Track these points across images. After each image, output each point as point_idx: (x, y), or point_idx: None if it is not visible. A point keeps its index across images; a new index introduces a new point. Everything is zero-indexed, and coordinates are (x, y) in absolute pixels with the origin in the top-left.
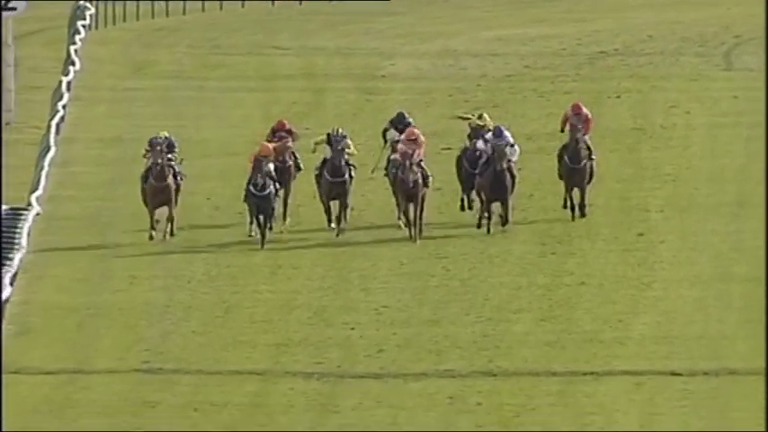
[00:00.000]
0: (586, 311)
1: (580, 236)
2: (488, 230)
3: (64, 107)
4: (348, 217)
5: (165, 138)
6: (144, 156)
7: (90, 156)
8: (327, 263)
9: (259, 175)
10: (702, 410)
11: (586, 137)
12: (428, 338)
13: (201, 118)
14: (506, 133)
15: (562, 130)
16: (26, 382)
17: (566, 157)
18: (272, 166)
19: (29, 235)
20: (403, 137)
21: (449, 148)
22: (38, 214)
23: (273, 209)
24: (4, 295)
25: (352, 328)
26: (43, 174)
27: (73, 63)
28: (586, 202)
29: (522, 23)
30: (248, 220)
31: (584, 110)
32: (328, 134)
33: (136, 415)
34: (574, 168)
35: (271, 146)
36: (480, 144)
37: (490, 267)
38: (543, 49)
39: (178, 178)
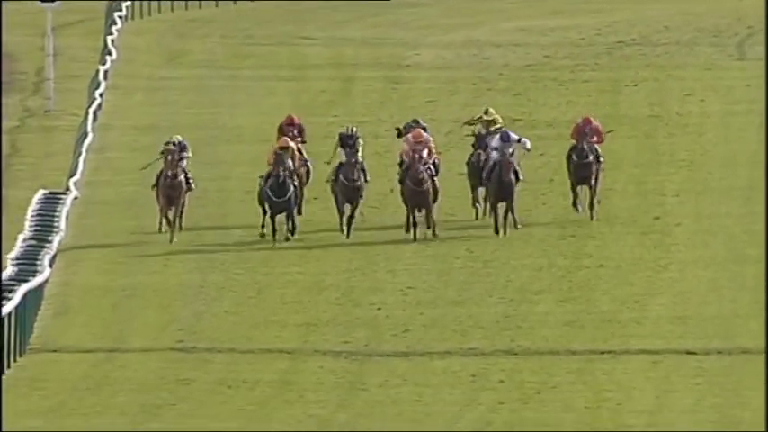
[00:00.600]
0: (605, 292)
1: (599, 219)
2: (504, 232)
3: (101, 95)
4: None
5: (179, 142)
6: (161, 157)
7: (125, 142)
8: (354, 245)
9: (281, 168)
10: (716, 388)
11: (596, 146)
12: (452, 318)
13: (234, 106)
14: (513, 135)
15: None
16: (65, 360)
17: (573, 156)
18: (290, 161)
19: (67, 218)
20: (410, 138)
21: (472, 135)
22: (75, 198)
23: (293, 210)
24: (44, 277)
25: (379, 309)
26: (81, 159)
27: (110, 53)
28: (596, 200)
29: (543, 15)
30: (261, 219)
31: (595, 122)
32: (340, 134)
33: (170, 392)
34: (581, 164)
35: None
36: (494, 155)
37: (512, 250)
38: (563, 40)
39: (191, 183)
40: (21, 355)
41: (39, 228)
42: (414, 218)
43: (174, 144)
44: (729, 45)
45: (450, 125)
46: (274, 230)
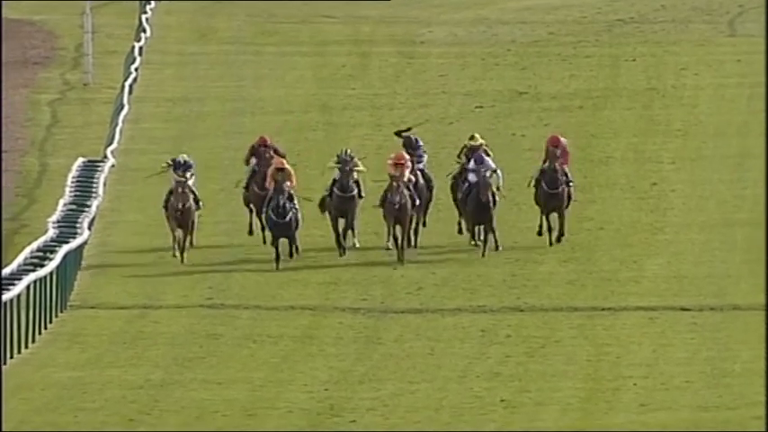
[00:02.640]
0: (604, 253)
1: (600, 185)
2: (483, 254)
3: (136, 70)
4: (355, 236)
5: (184, 162)
6: (164, 170)
7: (159, 113)
8: (372, 209)
9: (280, 196)
10: (709, 342)
11: (565, 167)
12: (462, 278)
13: (259, 79)
14: (488, 160)
15: (545, 162)
16: (103, 316)
17: (543, 183)
18: (288, 184)
19: (104, 184)
20: (392, 160)
21: (480, 107)
22: (113, 166)
23: (294, 234)
24: (83, 239)
25: (395, 269)
26: (117, 129)
27: (144, 30)
28: (566, 228)
29: None
30: (268, 241)
31: (563, 141)
32: (338, 156)
33: (200, 345)
34: (551, 194)
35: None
36: (471, 177)
37: (518, 213)
38: (566, 18)
39: (199, 203)
40: (62, 312)
41: (78, 193)
42: (394, 234)
43: (180, 164)
44: (721, 22)
45: (460, 98)
46: (278, 256)
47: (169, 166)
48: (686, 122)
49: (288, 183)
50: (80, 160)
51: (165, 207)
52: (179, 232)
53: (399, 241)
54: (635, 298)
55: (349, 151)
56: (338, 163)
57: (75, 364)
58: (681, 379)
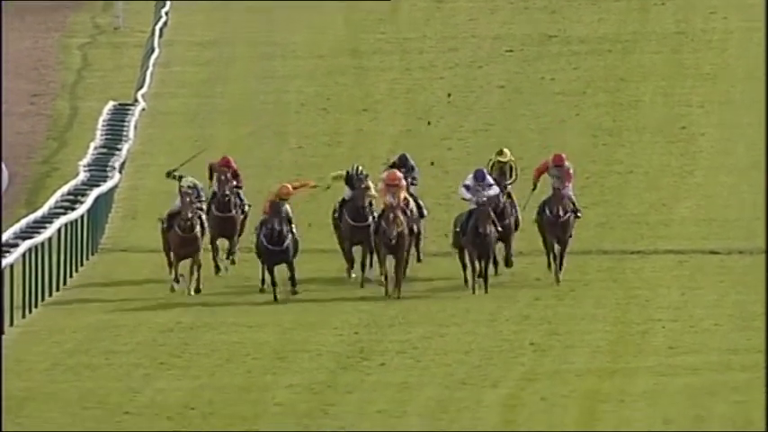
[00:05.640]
0: (634, 197)
1: (629, 129)
2: (473, 291)
3: (166, 13)
4: (373, 264)
5: (194, 186)
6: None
7: (189, 57)
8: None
9: (276, 220)
10: (737, 285)
11: (569, 191)
12: None
13: (290, 22)
14: (489, 180)
15: (534, 185)
16: (133, 259)
17: (546, 210)
18: (288, 207)
19: (135, 128)
20: (383, 182)
21: (510, 50)
22: (143, 109)
23: (292, 260)
24: (114, 182)
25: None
26: (148, 73)
27: None
28: (564, 262)
29: None
30: (260, 272)
31: (566, 163)
32: (347, 172)
33: (231, 288)
34: (558, 222)
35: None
36: (462, 191)
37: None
38: None
39: (205, 228)
40: (93, 255)
41: (109, 136)
42: (385, 267)
43: (189, 188)
44: None
45: (490, 41)
46: (274, 283)
47: (175, 177)
48: (715, 66)
49: (287, 206)
50: (111, 104)
51: (167, 230)
52: (179, 261)
53: (392, 274)
54: (664, 241)
55: (361, 168)
56: (348, 182)
57: (107, 307)
58: (709, 322)
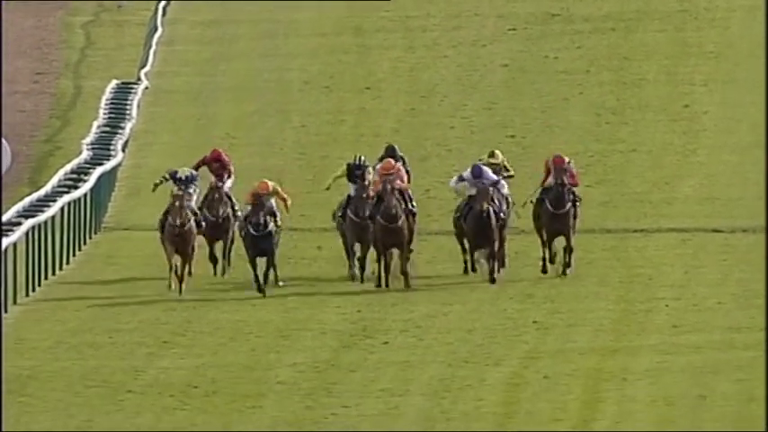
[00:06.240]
0: (637, 175)
1: (632, 107)
2: (492, 280)
3: None
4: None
5: (186, 176)
6: (156, 185)
7: (192, 35)
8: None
9: (261, 212)
10: (740, 264)
11: (572, 188)
12: None
13: (293, 1)
14: (488, 173)
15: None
16: (136, 237)
17: (546, 202)
18: (273, 201)
19: (138, 106)
20: (379, 169)
21: (513, 29)
22: (146, 88)
23: (274, 250)
24: (117, 161)
25: (427, 190)
26: (151, 51)
27: None
28: (573, 258)
29: None
30: (250, 268)
31: (567, 164)
32: (348, 164)
33: (234, 266)
34: (556, 214)
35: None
36: (453, 182)
37: (550, 135)
38: None
39: (201, 223)
40: (96, 233)
41: (112, 115)
42: (385, 260)
43: (180, 180)
44: None
45: (493, 20)
46: (256, 276)
47: (166, 180)
48: (718, 44)
49: (271, 199)
50: (114, 82)
51: (161, 229)
52: (177, 258)
53: (393, 267)
54: (667, 220)
55: (363, 158)
56: (349, 176)
57: (110, 286)
58: (712, 300)
